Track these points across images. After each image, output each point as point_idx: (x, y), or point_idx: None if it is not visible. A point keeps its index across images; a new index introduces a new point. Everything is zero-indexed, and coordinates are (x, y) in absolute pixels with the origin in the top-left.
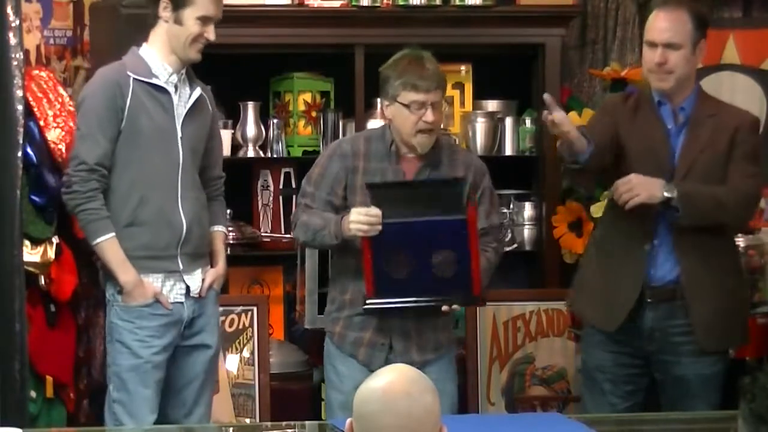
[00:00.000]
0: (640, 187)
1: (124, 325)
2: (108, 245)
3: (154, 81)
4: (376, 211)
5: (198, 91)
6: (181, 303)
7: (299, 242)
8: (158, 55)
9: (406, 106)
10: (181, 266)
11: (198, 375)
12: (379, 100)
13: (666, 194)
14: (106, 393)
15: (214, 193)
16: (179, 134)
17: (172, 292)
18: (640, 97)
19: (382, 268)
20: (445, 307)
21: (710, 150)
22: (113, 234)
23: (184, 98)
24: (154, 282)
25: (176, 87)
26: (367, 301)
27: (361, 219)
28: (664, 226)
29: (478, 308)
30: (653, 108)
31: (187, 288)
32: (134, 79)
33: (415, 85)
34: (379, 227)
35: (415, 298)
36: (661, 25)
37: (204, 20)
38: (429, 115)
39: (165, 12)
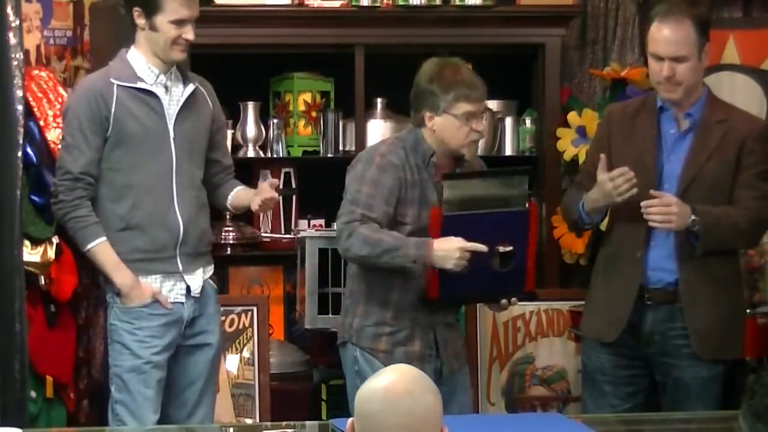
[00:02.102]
0: (677, 217)
1: (123, 326)
2: (100, 250)
3: (139, 85)
4: (463, 244)
5: (191, 87)
6: (182, 303)
7: (354, 256)
8: (143, 58)
9: (459, 117)
10: (180, 267)
11: (200, 375)
12: (415, 110)
13: (690, 227)
14: (110, 394)
15: (227, 178)
16: (171, 135)
17: (172, 292)
18: (645, 101)
19: (445, 270)
20: (504, 301)
21: (717, 157)
22: (104, 238)
23: (176, 97)
24: (152, 283)
25: (166, 87)
26: (429, 302)
27: (456, 254)
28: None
29: (478, 308)
30: (654, 114)
31: (188, 288)
32: (118, 85)
33: (468, 96)
34: (466, 260)
35: (475, 294)
36: (666, 38)
37: (178, 23)
38: (480, 124)
39: (140, 20)
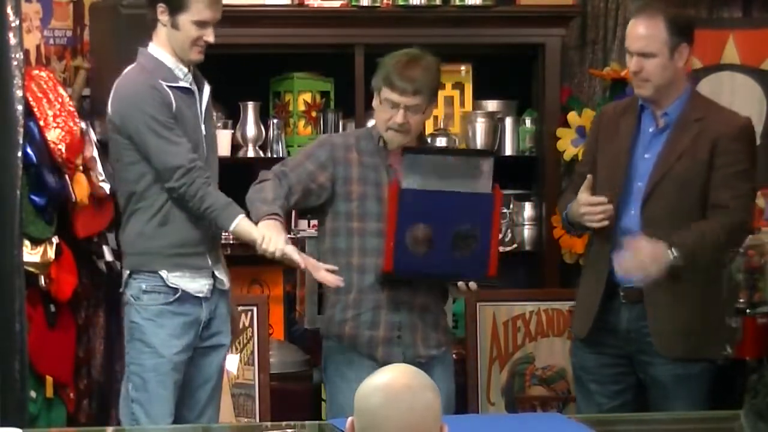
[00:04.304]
0: (652, 262)
1: (147, 324)
2: (240, 228)
3: (181, 84)
4: (280, 250)
5: (208, 88)
6: (202, 301)
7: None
8: (169, 57)
9: (381, 101)
10: (210, 262)
11: (213, 375)
12: None
13: (669, 263)
14: (122, 392)
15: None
16: (203, 132)
17: (204, 287)
18: (632, 101)
19: (403, 243)
20: (460, 283)
21: (689, 157)
22: (241, 216)
23: (200, 96)
24: (181, 278)
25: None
26: (384, 276)
27: (270, 250)
28: (635, 228)
29: (478, 307)
30: (636, 113)
31: (213, 284)
32: (167, 86)
33: (392, 84)
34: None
35: (433, 272)
36: (635, 33)
37: (201, 24)
38: (398, 117)
39: (162, 16)
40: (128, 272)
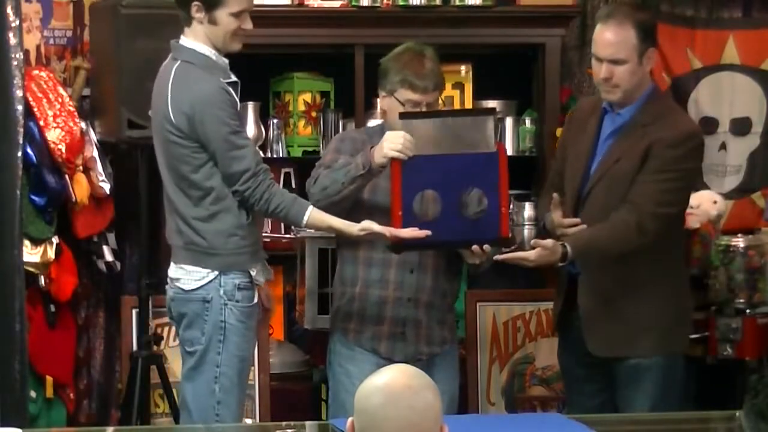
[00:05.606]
0: (535, 263)
1: (240, 326)
2: (314, 219)
3: (233, 78)
4: (410, 137)
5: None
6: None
7: (318, 191)
8: (211, 49)
9: (402, 103)
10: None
11: None
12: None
13: (562, 263)
14: (186, 393)
15: None
16: None
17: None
18: (599, 101)
19: (410, 212)
20: (475, 247)
21: (625, 162)
22: (309, 209)
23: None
24: (258, 272)
25: None
26: (394, 248)
27: (399, 140)
28: None
29: (478, 307)
30: (599, 114)
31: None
32: (227, 82)
33: (413, 84)
34: (410, 153)
35: (444, 240)
36: (605, 40)
37: (238, 15)
38: None
39: (198, 14)
40: (216, 273)
